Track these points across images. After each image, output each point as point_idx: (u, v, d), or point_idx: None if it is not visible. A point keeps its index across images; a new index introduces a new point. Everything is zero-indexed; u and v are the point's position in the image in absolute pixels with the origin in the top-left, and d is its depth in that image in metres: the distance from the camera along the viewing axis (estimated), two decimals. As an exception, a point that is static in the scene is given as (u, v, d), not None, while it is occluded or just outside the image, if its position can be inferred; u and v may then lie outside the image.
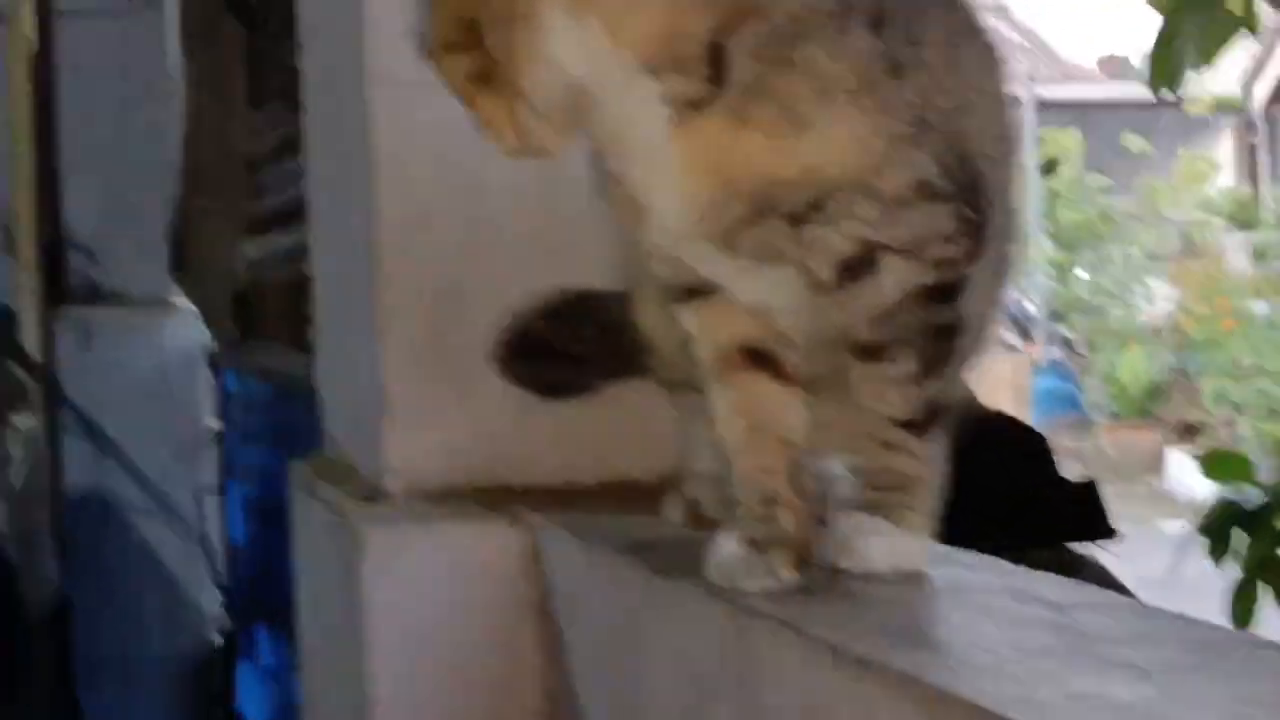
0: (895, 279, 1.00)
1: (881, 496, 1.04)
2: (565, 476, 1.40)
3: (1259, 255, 14.41)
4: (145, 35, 3.79)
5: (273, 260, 4.36)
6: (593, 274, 1.25)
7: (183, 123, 3.64)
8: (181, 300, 3.85)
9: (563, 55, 0.99)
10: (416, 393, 1.39)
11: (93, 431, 3.73)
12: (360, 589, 1.28)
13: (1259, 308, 13.20)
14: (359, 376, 1.47)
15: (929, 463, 1.04)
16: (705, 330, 1.07)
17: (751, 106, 0.99)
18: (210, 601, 3.66)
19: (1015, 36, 16.91)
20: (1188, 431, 12.14)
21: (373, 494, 1.40)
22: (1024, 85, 15.75)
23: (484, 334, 1.36)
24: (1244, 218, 14.89)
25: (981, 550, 1.12)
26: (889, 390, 1.02)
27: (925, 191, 1.00)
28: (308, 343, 3.73)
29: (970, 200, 1.02)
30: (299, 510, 1.58)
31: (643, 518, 1.24)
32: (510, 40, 0.99)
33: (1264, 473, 2.66)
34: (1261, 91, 14.56)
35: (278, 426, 3.96)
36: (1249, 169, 15.38)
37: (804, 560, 1.02)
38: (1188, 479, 9.52)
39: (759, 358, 1.06)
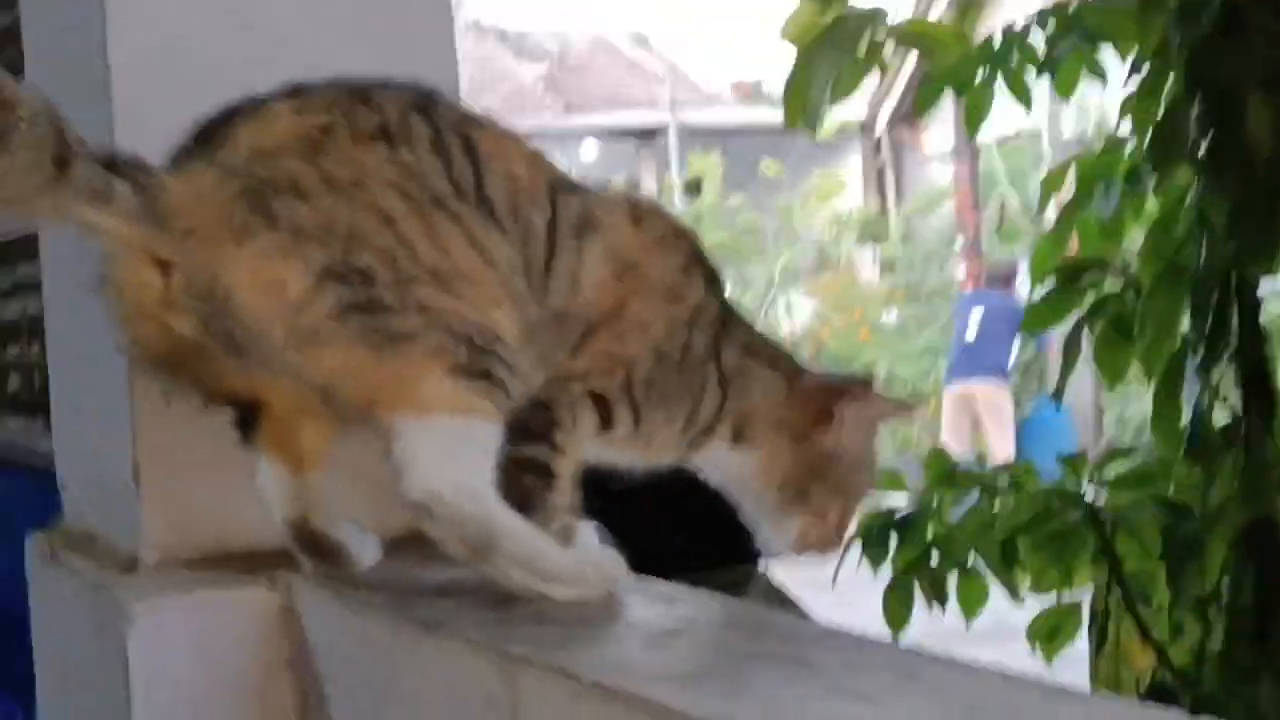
0: None
1: None
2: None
3: (887, 267, 15.31)
4: None
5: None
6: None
7: None
8: None
9: None
10: (169, 465, 1.46)
11: None
12: (127, 658, 1.35)
13: (890, 316, 14.02)
14: (108, 449, 1.52)
15: None
16: None
17: None
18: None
19: (656, 65, 17.52)
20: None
21: (130, 565, 1.46)
22: (667, 112, 16.30)
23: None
24: (872, 233, 15.83)
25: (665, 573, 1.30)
26: None
27: None
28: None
29: None
30: (41, 581, 1.62)
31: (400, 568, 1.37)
32: None
33: (911, 481, 2.90)
34: (885, 115, 15.53)
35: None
36: (876, 187, 16.36)
37: None
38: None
39: None
